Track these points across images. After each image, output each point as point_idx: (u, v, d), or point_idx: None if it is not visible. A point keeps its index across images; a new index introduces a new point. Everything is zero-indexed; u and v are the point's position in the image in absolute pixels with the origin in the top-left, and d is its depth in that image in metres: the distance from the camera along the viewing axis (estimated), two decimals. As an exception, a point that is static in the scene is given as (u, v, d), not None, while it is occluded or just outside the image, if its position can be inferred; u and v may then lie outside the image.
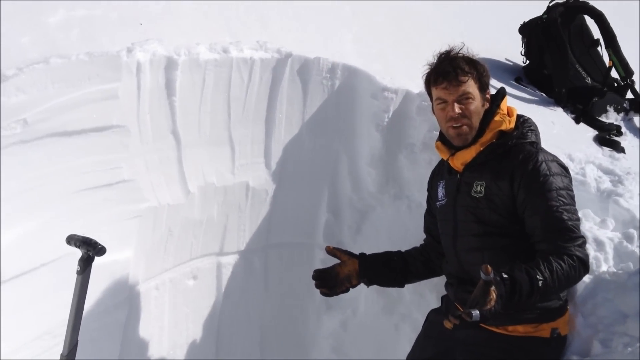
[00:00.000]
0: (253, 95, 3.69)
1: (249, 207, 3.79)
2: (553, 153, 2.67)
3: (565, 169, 2.62)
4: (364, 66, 3.95)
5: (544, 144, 3.35)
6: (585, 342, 2.74)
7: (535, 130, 2.75)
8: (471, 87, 2.64)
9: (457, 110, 2.64)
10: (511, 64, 5.45)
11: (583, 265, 2.40)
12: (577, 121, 4.56)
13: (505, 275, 2.24)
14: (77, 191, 3.01)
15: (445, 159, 2.81)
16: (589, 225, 3.00)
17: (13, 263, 2.73)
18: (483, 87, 2.67)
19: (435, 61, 2.74)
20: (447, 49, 2.74)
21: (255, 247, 3.85)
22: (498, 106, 2.69)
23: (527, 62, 5.33)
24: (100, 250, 2.33)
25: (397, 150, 3.85)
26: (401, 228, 3.69)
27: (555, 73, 4.98)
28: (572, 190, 2.57)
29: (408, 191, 3.81)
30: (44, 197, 2.89)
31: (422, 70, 4.08)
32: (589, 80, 4.95)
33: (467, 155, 2.68)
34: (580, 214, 2.99)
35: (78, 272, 2.34)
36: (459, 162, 2.72)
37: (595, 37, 5.11)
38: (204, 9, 3.98)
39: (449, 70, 2.65)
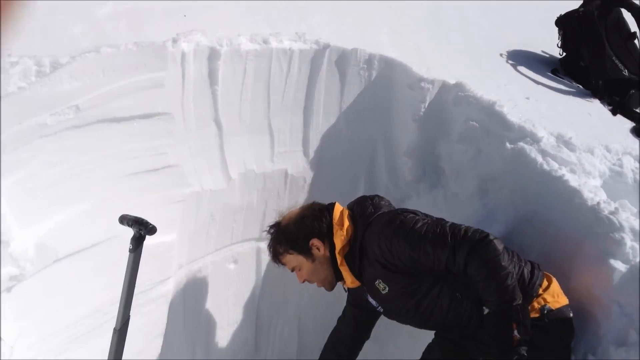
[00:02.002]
0: (292, 85, 3.77)
1: (287, 194, 3.88)
2: (384, 206, 3.04)
3: (394, 214, 2.90)
4: (401, 57, 4.00)
5: (581, 135, 3.40)
6: (621, 330, 2.78)
7: (363, 205, 3.04)
8: (293, 260, 3.04)
9: (300, 281, 3.10)
10: (548, 56, 5.45)
11: (481, 243, 2.60)
12: (614, 113, 4.56)
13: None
14: (125, 175, 3.12)
15: (344, 286, 3.16)
16: (626, 215, 3.02)
17: (66, 243, 2.85)
18: (304, 249, 2.99)
19: None
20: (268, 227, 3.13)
21: (294, 233, 3.94)
22: (331, 226, 2.98)
23: (564, 54, 5.33)
24: (152, 230, 2.43)
25: (434, 140, 3.90)
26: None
27: (592, 65, 4.98)
28: (416, 214, 2.92)
29: (444, 181, 3.86)
30: (94, 181, 3.00)
31: (458, 61, 4.12)
32: (626, 73, 4.93)
33: (347, 278, 3.01)
34: (617, 204, 3.03)
35: (130, 250, 2.46)
36: (350, 283, 3.05)
37: (633, 30, 5.08)
38: (245, 1, 4.08)
39: (271, 257, 3.11)
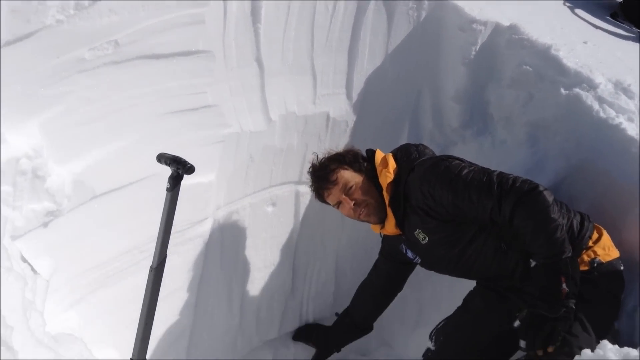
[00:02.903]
0: (337, 25, 3.62)
1: (329, 138, 3.78)
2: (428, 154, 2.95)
3: (439, 159, 2.81)
4: (452, -3, 3.82)
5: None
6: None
7: (407, 151, 2.95)
8: (346, 176, 2.98)
9: (348, 208, 2.98)
10: (607, -1, 5.17)
11: (530, 194, 2.49)
12: (677, 60, 4.30)
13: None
14: (164, 114, 3.06)
15: (379, 232, 3.12)
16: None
17: (103, 180, 2.83)
18: (355, 165, 3.02)
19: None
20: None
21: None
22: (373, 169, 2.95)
23: (625, -3, 5.04)
24: (189, 169, 2.38)
25: (483, 85, 3.75)
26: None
27: (656, 9, 4.70)
28: (462, 161, 2.80)
29: (492, 127, 3.72)
30: (132, 119, 2.95)
31: (512, 2, 3.90)
32: (691, 17, 4.65)
33: (390, 222, 2.93)
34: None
35: (168, 189, 2.41)
36: (390, 229, 2.97)
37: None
38: None
39: (318, 184, 3.09)
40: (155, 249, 2.44)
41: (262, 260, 3.67)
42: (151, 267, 2.45)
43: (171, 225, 2.44)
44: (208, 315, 3.40)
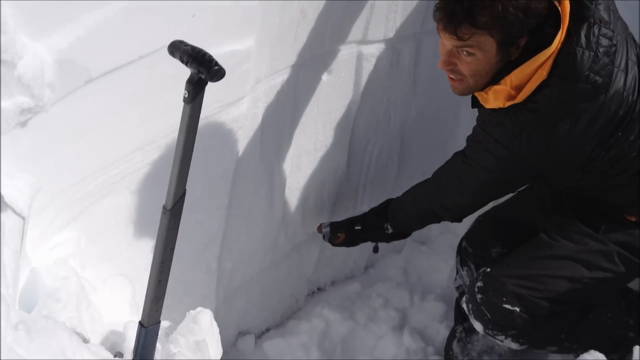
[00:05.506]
0: None
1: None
2: None
3: None
4: None
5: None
6: None
7: None
8: (481, 43, 2.00)
9: (448, 63, 2.17)
10: None
11: None
12: None
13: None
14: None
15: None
16: None
17: (100, 58, 2.02)
18: (506, 41, 2.02)
19: None
20: None
21: (406, 34, 2.95)
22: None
23: None
24: (217, 74, 1.56)
25: None
26: None
27: None
28: None
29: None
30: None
31: None
32: None
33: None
34: None
35: (185, 100, 1.62)
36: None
37: None
38: None
39: (453, 17, 1.99)
40: (170, 183, 1.70)
41: (312, 142, 2.91)
42: (164, 207, 1.72)
43: (191, 151, 1.68)
44: (244, 214, 2.73)
